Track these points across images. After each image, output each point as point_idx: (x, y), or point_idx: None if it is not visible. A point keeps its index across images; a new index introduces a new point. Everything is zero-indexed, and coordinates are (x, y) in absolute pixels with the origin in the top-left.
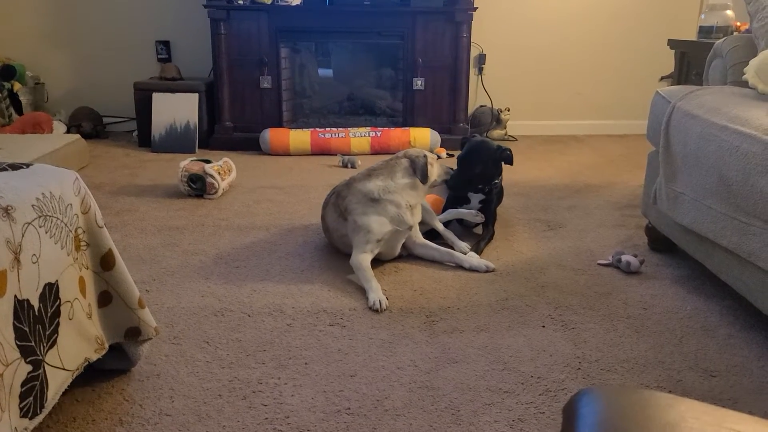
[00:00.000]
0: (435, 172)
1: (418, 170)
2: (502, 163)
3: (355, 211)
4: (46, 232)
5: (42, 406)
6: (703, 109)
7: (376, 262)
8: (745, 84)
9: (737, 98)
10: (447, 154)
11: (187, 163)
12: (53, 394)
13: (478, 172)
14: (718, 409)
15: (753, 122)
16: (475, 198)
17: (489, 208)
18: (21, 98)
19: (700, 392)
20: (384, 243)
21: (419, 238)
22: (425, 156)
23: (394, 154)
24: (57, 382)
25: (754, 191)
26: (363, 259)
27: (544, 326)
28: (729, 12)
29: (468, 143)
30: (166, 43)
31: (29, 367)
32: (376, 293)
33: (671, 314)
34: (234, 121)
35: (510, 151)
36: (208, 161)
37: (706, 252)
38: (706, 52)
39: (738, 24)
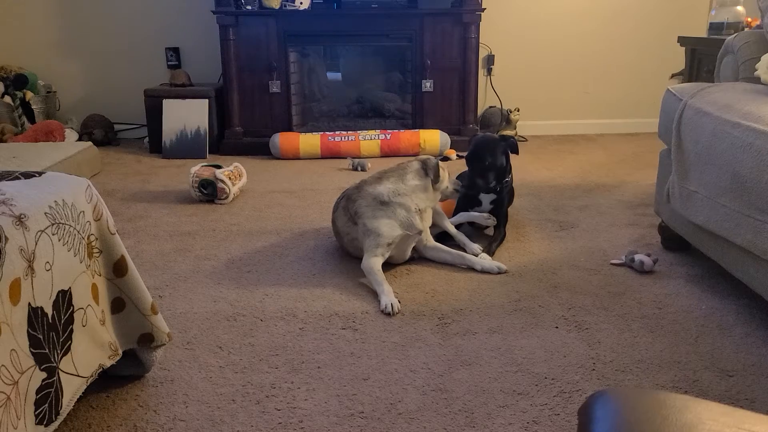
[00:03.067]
0: (446, 177)
1: (430, 170)
2: (509, 152)
3: (365, 214)
4: (59, 240)
5: (57, 413)
6: (715, 107)
7: (387, 265)
8: (757, 80)
9: (749, 95)
10: (457, 155)
11: (197, 168)
12: (68, 401)
13: (488, 164)
14: (735, 410)
15: (766, 119)
16: (486, 198)
17: (500, 209)
18: (33, 107)
19: (716, 392)
20: (394, 247)
21: (430, 240)
22: (438, 159)
23: (403, 156)
24: (71, 389)
25: None
26: (374, 262)
27: (557, 327)
28: (739, 8)
29: (472, 140)
30: (175, 50)
31: (43, 375)
32: (388, 296)
33: (686, 313)
34: (244, 126)
35: (514, 138)
36: (218, 166)
37: (721, 250)
38: (717, 48)
39: (749, 20)
